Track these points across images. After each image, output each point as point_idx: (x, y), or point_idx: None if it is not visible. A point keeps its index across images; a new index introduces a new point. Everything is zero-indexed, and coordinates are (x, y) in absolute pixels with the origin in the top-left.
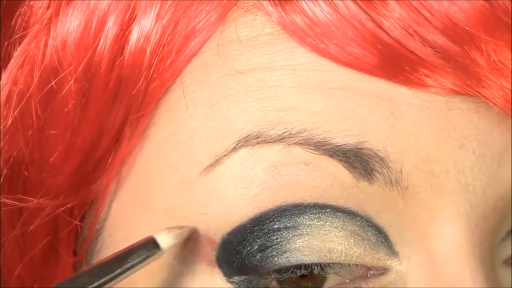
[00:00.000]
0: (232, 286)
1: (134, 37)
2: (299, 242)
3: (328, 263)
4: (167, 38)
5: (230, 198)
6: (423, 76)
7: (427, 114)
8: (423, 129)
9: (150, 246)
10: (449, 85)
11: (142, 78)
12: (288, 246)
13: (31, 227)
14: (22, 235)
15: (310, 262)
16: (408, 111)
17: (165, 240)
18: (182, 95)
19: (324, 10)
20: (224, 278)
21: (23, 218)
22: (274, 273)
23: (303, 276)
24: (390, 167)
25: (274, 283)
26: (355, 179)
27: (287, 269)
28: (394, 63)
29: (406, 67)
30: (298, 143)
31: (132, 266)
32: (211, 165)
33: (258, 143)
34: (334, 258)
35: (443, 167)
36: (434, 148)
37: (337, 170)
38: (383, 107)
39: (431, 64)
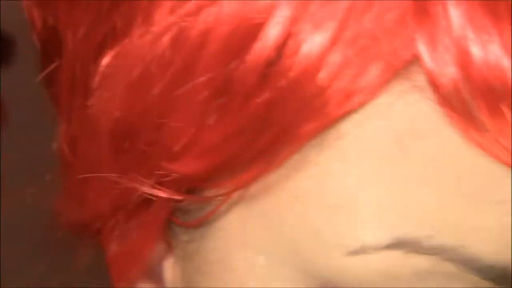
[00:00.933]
0: None
1: (305, 49)
2: None
3: None
4: (342, 71)
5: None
6: None
7: None
8: None
9: None
10: None
11: (299, 115)
12: None
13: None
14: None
15: None
16: None
17: None
18: (339, 157)
19: None
20: None
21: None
22: None
23: None
24: None
25: None
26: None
27: None
28: None
29: None
30: (451, 259)
31: None
32: (355, 249)
33: (411, 250)
34: None
35: None
36: None
37: (482, 284)
38: None
39: None
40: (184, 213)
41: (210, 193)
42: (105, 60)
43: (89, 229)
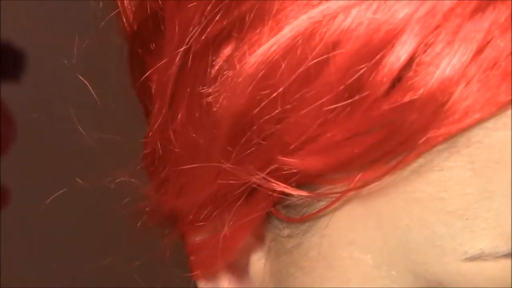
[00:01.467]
0: None
1: (443, 66)
2: None
3: None
4: (470, 87)
5: None
6: None
7: None
8: None
9: None
10: None
11: (430, 114)
12: None
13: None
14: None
15: None
16: None
17: None
18: (465, 162)
19: None
20: None
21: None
22: None
23: None
24: None
25: None
26: None
27: None
28: None
29: None
30: None
31: None
32: (473, 255)
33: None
34: None
35: None
36: None
37: None
38: None
39: None
40: (288, 208)
41: (324, 189)
42: (228, 51)
43: (178, 219)
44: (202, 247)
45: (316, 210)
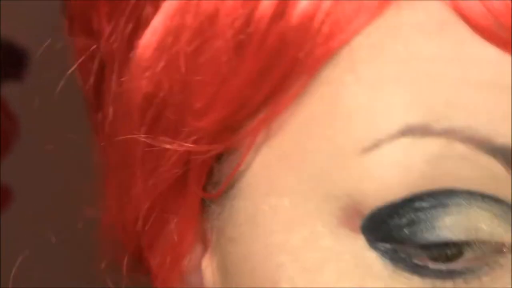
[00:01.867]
0: (375, 252)
1: (303, 1)
2: (448, 221)
3: (474, 242)
4: (337, 7)
5: (386, 181)
6: None
7: None
8: None
9: None
10: None
11: (309, 43)
12: (437, 223)
13: (165, 166)
14: (153, 172)
15: (457, 239)
16: None
17: None
18: (348, 71)
19: None
20: (367, 243)
21: (157, 157)
22: (421, 247)
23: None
24: None
25: (415, 252)
26: (508, 173)
27: (435, 245)
28: None
29: None
30: (461, 140)
31: None
32: (370, 148)
33: (422, 134)
34: (480, 236)
35: None
36: None
37: (494, 166)
38: None
39: None
40: (214, 185)
41: (237, 144)
42: (137, 43)
43: (131, 234)
44: (158, 261)
45: (233, 169)
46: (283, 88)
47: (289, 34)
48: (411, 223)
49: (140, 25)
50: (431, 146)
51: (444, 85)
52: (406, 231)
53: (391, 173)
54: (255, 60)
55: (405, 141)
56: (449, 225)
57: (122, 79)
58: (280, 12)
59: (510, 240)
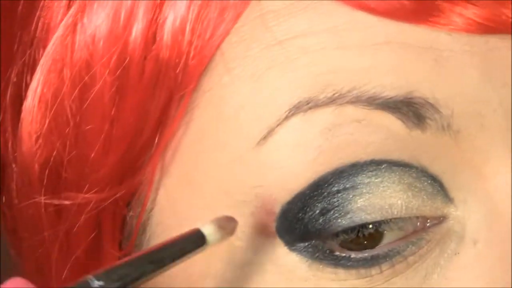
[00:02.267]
0: (295, 254)
1: (170, 18)
2: (360, 202)
3: (390, 219)
4: (203, 14)
5: (287, 166)
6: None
7: (468, 57)
8: (467, 72)
9: (196, 238)
10: (484, 21)
11: (183, 57)
12: (349, 206)
13: (76, 226)
14: (65, 236)
15: (373, 220)
16: (450, 56)
17: (213, 234)
18: (224, 72)
19: None
20: (286, 247)
21: (66, 218)
22: (339, 235)
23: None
24: (441, 112)
25: (335, 245)
26: (408, 129)
27: (351, 229)
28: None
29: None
30: (350, 102)
31: (174, 259)
32: (263, 138)
33: (309, 108)
34: (396, 213)
35: (490, 107)
36: (479, 89)
37: (390, 122)
38: (427, 56)
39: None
40: (128, 237)
41: (140, 185)
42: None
43: None
44: None
45: (139, 212)
46: (169, 111)
47: (164, 56)
48: (324, 212)
49: (21, 89)
50: (322, 117)
51: (321, 55)
52: (320, 221)
53: (290, 156)
54: (137, 92)
55: (296, 119)
56: (362, 206)
57: (15, 154)
58: (151, 37)
59: (430, 213)
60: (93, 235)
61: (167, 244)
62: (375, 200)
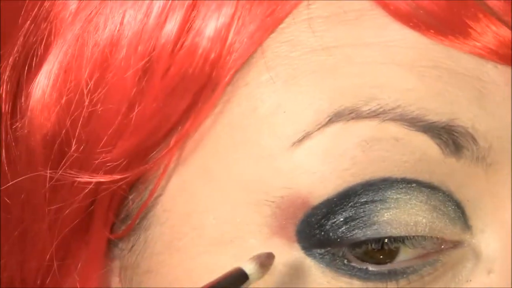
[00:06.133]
0: (310, 259)
1: (216, 13)
2: (387, 215)
3: (414, 236)
4: (250, 11)
5: (319, 172)
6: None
7: (511, 91)
8: (508, 107)
9: (240, 277)
10: None
11: (223, 51)
12: (376, 219)
13: (71, 204)
14: (57, 213)
15: (398, 234)
16: (494, 89)
17: (255, 273)
18: (263, 70)
19: None
20: (303, 251)
21: (62, 195)
22: (361, 245)
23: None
24: (478, 144)
25: (352, 255)
26: (443, 155)
27: (376, 241)
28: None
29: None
30: (392, 119)
31: None
32: (299, 140)
33: (352, 118)
34: (420, 231)
35: None
36: None
37: (428, 146)
38: (472, 86)
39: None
40: (123, 221)
41: (150, 170)
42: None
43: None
44: None
45: (147, 197)
46: (198, 104)
47: (203, 48)
48: (348, 220)
49: (30, 66)
50: (362, 129)
51: (368, 68)
52: (343, 229)
53: (323, 163)
54: (165, 81)
55: (335, 127)
56: (388, 219)
57: (17, 124)
58: (189, 28)
59: (449, 237)
60: (85, 214)
61: (214, 284)
62: (402, 215)
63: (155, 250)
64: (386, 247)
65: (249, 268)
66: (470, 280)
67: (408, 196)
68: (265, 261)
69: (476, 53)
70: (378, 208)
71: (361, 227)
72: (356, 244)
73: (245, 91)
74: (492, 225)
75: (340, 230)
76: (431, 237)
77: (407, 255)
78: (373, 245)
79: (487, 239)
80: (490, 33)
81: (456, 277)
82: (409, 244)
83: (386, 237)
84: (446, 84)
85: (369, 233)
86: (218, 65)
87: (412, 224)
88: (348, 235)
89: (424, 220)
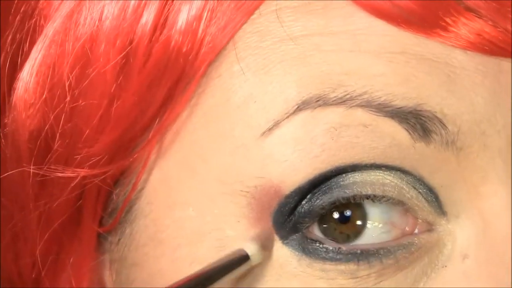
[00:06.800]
0: (287, 248)
1: (186, 6)
2: (352, 179)
3: (382, 197)
4: (220, 4)
5: (290, 160)
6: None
7: (481, 76)
8: (478, 92)
9: (241, 258)
10: (500, 43)
11: (196, 44)
12: (342, 183)
13: (59, 199)
14: (46, 208)
15: (365, 193)
16: (463, 74)
17: (256, 254)
18: (235, 61)
19: None
20: (280, 241)
21: (50, 190)
22: (329, 213)
23: (344, 223)
24: (447, 128)
25: (318, 233)
26: (412, 140)
27: (343, 201)
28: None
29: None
30: (359, 105)
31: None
32: (269, 129)
33: (319, 106)
34: (387, 191)
35: (495, 128)
36: (487, 109)
37: (396, 131)
38: (440, 71)
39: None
40: (110, 214)
41: (132, 164)
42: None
43: (28, 283)
44: None
45: (130, 191)
46: (174, 96)
47: (176, 42)
48: (317, 193)
49: (17, 63)
50: (330, 116)
51: (336, 56)
52: (312, 200)
53: (293, 151)
54: (142, 75)
55: (303, 115)
56: (354, 181)
57: (6, 120)
58: (163, 22)
59: (421, 215)
60: (73, 210)
61: (216, 265)
62: (369, 177)
63: (140, 243)
64: (354, 218)
65: (251, 249)
66: (446, 266)
67: (375, 176)
68: (266, 242)
69: (445, 38)
70: (348, 176)
71: (328, 192)
72: (325, 218)
73: (218, 83)
74: (466, 211)
75: (309, 203)
76: (402, 210)
77: (376, 232)
78: (339, 213)
79: (462, 225)
80: (460, 22)
81: (432, 263)
82: (378, 211)
83: (352, 196)
84: (414, 70)
85: (335, 194)
86: (191, 58)
87: (379, 184)
88: (315, 204)
89: (392, 183)
